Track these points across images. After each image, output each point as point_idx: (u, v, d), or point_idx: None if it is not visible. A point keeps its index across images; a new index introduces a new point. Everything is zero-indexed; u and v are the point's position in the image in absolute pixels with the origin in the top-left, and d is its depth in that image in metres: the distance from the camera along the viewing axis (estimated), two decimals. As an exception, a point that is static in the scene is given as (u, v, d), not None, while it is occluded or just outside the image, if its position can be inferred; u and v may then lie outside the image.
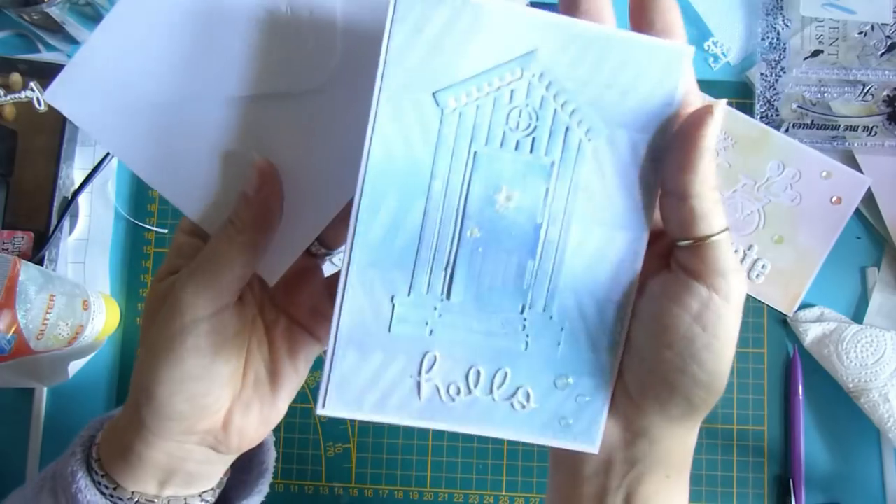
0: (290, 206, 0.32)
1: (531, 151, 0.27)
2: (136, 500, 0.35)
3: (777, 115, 0.61)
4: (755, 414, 0.59)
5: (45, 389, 0.60)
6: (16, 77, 0.61)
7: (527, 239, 0.28)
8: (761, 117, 0.61)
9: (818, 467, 0.58)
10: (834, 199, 0.59)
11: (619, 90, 0.27)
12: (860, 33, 0.60)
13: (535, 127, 0.27)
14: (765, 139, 0.60)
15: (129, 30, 0.32)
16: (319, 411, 0.27)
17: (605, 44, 0.27)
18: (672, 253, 0.29)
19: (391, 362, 0.28)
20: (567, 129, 0.27)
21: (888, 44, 0.60)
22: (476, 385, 0.28)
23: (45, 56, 0.64)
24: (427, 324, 0.28)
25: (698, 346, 0.27)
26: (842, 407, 0.57)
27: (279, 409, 0.35)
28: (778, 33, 0.61)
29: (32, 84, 0.60)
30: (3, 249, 0.58)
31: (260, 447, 0.42)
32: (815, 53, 0.61)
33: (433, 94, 0.26)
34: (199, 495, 0.36)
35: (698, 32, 0.63)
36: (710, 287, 0.27)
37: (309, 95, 0.31)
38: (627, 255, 0.28)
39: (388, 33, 0.26)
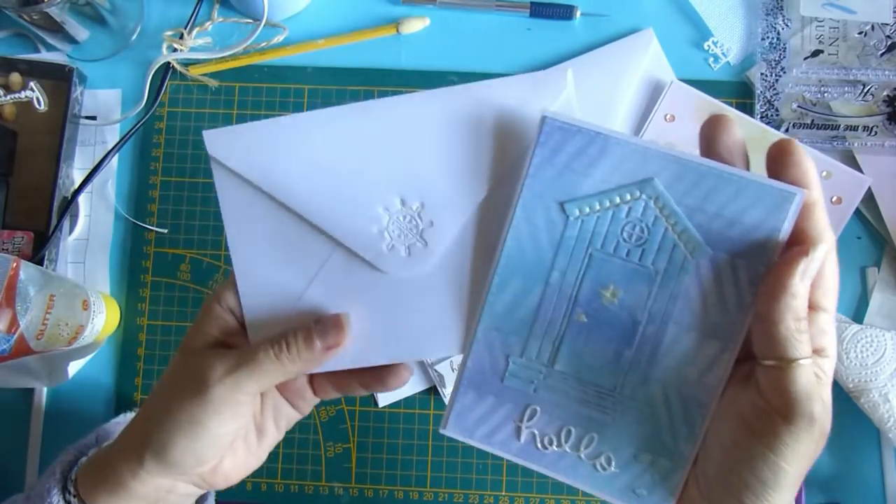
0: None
1: (639, 260, 0.32)
2: None
3: (777, 115, 0.61)
4: (755, 414, 0.59)
5: (45, 389, 0.60)
6: (16, 77, 0.61)
7: (626, 331, 0.32)
8: (761, 117, 0.60)
9: (818, 467, 0.58)
10: (834, 199, 0.59)
11: (727, 219, 0.31)
12: (860, 33, 0.60)
13: (646, 240, 0.32)
14: (765, 139, 0.60)
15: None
16: (441, 430, 0.35)
17: (718, 178, 0.31)
18: (755, 370, 0.31)
19: (500, 407, 0.34)
20: (674, 245, 0.31)
21: (888, 44, 0.60)
22: (566, 441, 0.33)
23: (45, 56, 0.64)
24: (533, 382, 0.33)
25: (764, 467, 0.29)
26: (842, 407, 0.57)
27: (261, 457, 0.41)
28: (778, 33, 0.61)
29: (32, 84, 0.60)
30: (3, 249, 0.58)
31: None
32: (815, 53, 0.61)
33: (561, 203, 0.32)
34: None
35: (698, 32, 0.63)
36: (784, 413, 0.29)
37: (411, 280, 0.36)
38: (716, 363, 0.32)
39: (532, 153, 0.32)
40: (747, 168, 0.31)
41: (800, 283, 0.29)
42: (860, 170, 0.59)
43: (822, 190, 0.30)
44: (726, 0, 0.63)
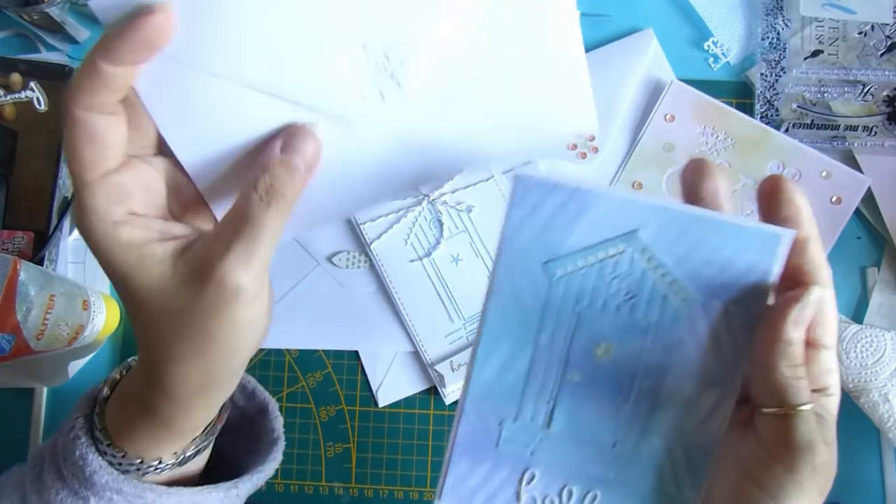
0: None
1: (630, 314, 0.31)
2: (142, 463, 0.35)
3: (777, 115, 0.61)
4: (755, 414, 0.59)
5: (45, 389, 0.60)
6: (16, 77, 0.61)
7: (622, 387, 0.32)
8: (761, 117, 0.61)
9: (818, 467, 0.58)
10: (834, 199, 0.59)
11: (717, 266, 0.30)
12: (860, 33, 0.60)
13: (636, 294, 0.31)
14: (765, 139, 0.60)
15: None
16: (436, 502, 0.33)
17: (705, 225, 0.30)
18: (755, 417, 0.30)
19: (496, 473, 0.33)
20: (665, 297, 0.31)
21: (888, 44, 0.60)
22: (569, 500, 0.33)
23: (45, 56, 0.64)
24: (529, 446, 0.32)
25: None
26: (842, 407, 0.57)
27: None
28: (778, 33, 0.61)
29: (32, 84, 0.60)
30: (3, 249, 0.58)
31: (266, 415, 0.43)
32: (815, 53, 0.61)
33: (543, 263, 0.31)
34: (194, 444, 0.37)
35: (698, 32, 0.63)
36: (785, 462, 0.29)
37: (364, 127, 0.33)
38: (716, 410, 0.31)
39: (507, 214, 0.31)
40: (733, 211, 0.31)
41: (793, 331, 0.29)
42: (860, 170, 0.59)
43: (815, 226, 0.30)
44: (726, 0, 0.63)
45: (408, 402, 0.60)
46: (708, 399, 0.31)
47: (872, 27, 0.60)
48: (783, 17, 0.61)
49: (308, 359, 0.61)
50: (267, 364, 0.61)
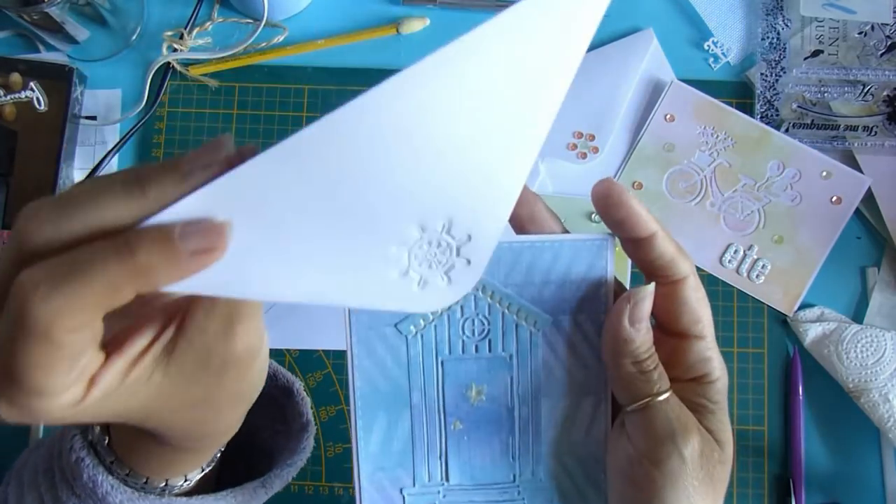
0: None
1: (490, 351, 0.31)
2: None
3: (777, 115, 0.61)
4: (755, 414, 0.59)
5: (45, 389, 0.60)
6: (16, 77, 0.61)
7: (503, 422, 0.32)
8: (761, 117, 0.61)
9: (818, 467, 0.58)
10: (834, 199, 0.59)
11: (555, 283, 0.31)
12: (860, 33, 0.60)
13: (489, 330, 0.31)
14: (765, 139, 0.60)
15: None
16: None
17: (532, 249, 0.31)
18: (624, 419, 0.30)
19: None
20: (517, 325, 0.31)
21: (888, 44, 0.60)
22: None
23: (45, 56, 0.64)
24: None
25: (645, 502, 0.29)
26: (842, 407, 0.57)
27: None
28: (778, 33, 0.61)
29: (32, 84, 0.60)
30: (3, 249, 0.58)
31: (291, 397, 0.41)
32: (815, 53, 0.61)
33: (395, 325, 0.31)
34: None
35: (698, 32, 0.63)
36: (651, 457, 0.29)
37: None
38: (595, 417, 0.32)
39: None
40: (561, 227, 0.32)
41: (629, 328, 0.29)
42: (860, 170, 0.59)
43: (656, 222, 0.29)
44: (726, 0, 0.63)
45: (408, 402, 0.60)
46: (585, 409, 0.32)
47: (872, 27, 0.60)
48: (783, 17, 0.61)
49: (308, 359, 0.61)
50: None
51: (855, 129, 0.60)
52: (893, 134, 0.59)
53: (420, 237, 0.27)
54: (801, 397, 0.58)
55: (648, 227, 0.29)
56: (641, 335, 0.29)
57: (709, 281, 0.60)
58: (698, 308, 0.30)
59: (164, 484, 0.34)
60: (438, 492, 0.33)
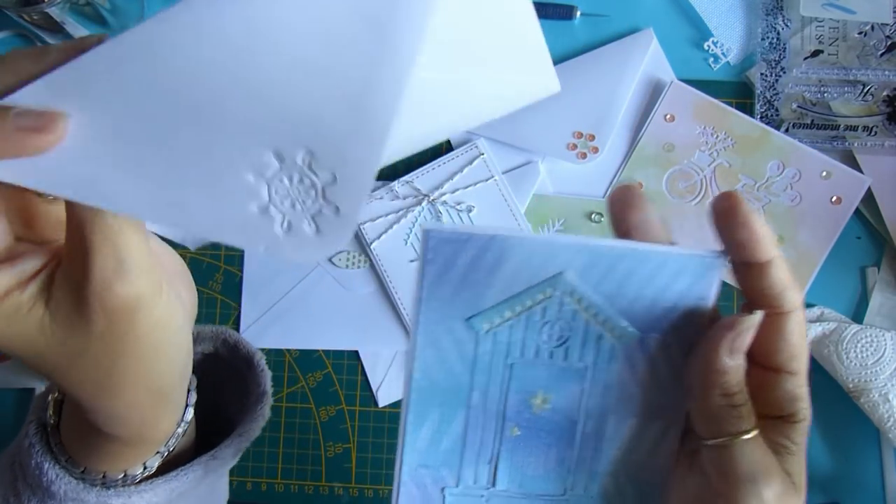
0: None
1: (565, 359, 0.29)
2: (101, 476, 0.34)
3: (777, 115, 0.61)
4: (755, 414, 0.59)
5: (45, 389, 0.60)
6: (16, 77, 0.60)
7: (564, 434, 0.30)
8: (761, 117, 0.61)
9: (818, 467, 0.58)
10: (834, 199, 0.59)
11: (650, 298, 0.28)
12: (860, 33, 0.60)
13: (568, 338, 0.29)
14: (765, 139, 0.60)
15: None
16: None
17: (633, 258, 0.28)
18: (700, 450, 0.29)
19: None
20: (599, 336, 0.29)
21: (888, 44, 0.60)
22: None
23: (45, 56, 0.64)
24: None
25: None
26: (842, 407, 0.57)
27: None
28: (778, 33, 0.61)
29: (32, 84, 0.60)
30: None
31: (251, 368, 0.41)
32: (815, 53, 0.61)
33: (466, 320, 0.29)
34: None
35: (698, 32, 0.63)
36: (728, 497, 0.27)
37: None
38: (661, 442, 0.30)
39: (421, 273, 0.28)
40: (668, 237, 0.29)
41: (727, 359, 0.27)
42: (860, 170, 0.59)
43: (775, 248, 0.27)
44: (726, 0, 0.63)
45: (408, 402, 0.60)
46: (652, 432, 0.30)
47: (872, 27, 0.60)
48: (783, 17, 0.61)
49: (308, 359, 0.61)
50: (266, 364, 0.61)
51: (855, 129, 0.60)
52: (893, 134, 0.59)
53: (279, 168, 0.25)
54: (801, 397, 0.58)
55: (768, 252, 0.27)
56: (738, 367, 0.27)
57: (709, 281, 0.60)
58: (800, 343, 0.28)
59: (122, 475, 0.34)
60: (482, 496, 0.31)
